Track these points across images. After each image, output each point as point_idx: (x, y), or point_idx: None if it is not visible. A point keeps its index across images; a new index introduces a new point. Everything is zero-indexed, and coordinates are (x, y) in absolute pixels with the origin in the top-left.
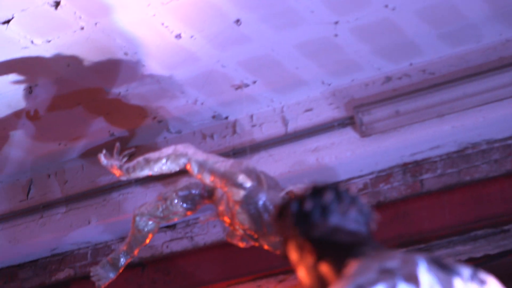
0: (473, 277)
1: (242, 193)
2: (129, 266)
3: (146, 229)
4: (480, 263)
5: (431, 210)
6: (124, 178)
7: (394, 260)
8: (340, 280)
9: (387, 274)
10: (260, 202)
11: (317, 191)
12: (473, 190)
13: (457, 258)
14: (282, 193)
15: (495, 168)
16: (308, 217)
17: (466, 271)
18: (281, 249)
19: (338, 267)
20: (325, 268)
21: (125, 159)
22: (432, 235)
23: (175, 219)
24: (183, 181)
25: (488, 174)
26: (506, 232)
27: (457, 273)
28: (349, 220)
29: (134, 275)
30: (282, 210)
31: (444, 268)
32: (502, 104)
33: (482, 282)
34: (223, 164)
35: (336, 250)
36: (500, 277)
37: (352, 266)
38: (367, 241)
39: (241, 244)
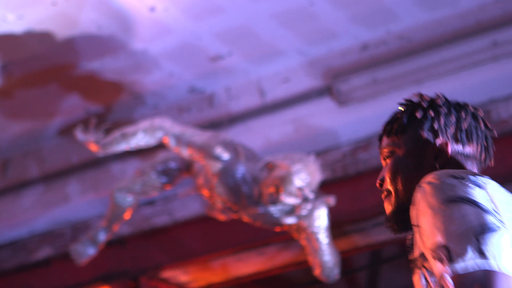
0: None
1: (219, 165)
2: (109, 243)
3: (125, 205)
4: None
5: None
6: (101, 153)
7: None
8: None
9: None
10: (239, 174)
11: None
12: None
13: None
14: (260, 165)
15: None
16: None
17: None
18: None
19: None
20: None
21: (101, 135)
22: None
23: (154, 194)
24: (161, 155)
25: None
26: None
27: None
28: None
29: (114, 251)
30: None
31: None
32: (480, 68)
33: None
34: (200, 137)
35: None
36: None
37: None
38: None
39: (222, 217)
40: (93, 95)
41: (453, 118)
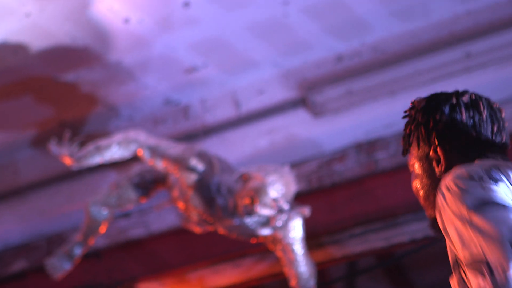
0: None
1: (194, 177)
2: (84, 255)
3: (100, 218)
4: (437, 241)
5: (386, 189)
6: (75, 166)
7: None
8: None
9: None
10: (214, 186)
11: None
12: None
13: (413, 237)
14: (235, 176)
15: None
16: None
17: None
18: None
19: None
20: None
21: (76, 148)
22: (388, 213)
23: (130, 207)
24: (136, 168)
25: None
26: None
27: None
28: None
29: (89, 264)
30: (431, 108)
31: None
32: (453, 80)
33: None
34: (175, 149)
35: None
36: None
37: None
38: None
39: (197, 229)
40: (67, 107)
41: (435, 120)
